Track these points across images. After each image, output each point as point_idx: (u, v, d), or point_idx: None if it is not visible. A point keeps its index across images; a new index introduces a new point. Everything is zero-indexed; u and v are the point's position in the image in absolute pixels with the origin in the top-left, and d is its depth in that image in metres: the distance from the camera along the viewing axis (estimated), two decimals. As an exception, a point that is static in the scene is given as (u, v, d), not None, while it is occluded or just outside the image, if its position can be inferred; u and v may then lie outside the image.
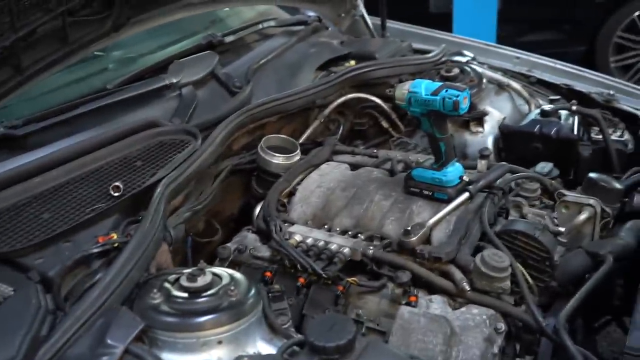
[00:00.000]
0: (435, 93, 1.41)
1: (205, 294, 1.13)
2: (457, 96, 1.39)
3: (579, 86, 2.12)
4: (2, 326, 1.05)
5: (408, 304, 1.32)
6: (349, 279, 1.36)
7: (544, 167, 1.67)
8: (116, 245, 1.25)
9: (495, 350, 1.27)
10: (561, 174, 1.70)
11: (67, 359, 1.03)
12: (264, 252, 1.51)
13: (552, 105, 1.95)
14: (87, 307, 1.10)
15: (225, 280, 1.17)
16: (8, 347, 1.00)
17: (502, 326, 1.28)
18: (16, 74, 1.40)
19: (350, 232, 1.47)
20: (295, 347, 1.08)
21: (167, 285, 1.16)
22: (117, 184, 1.42)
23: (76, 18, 1.51)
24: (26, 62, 1.41)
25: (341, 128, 2.06)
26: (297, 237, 1.46)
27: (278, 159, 1.72)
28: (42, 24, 1.41)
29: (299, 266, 1.39)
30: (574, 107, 1.93)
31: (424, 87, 1.44)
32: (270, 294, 1.21)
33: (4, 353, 0.99)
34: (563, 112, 1.93)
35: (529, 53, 2.32)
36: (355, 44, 2.35)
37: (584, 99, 2.04)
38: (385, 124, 2.08)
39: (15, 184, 1.40)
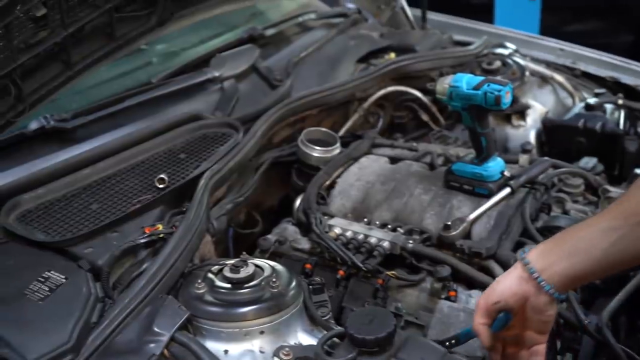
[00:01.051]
0: (477, 87, 1.40)
1: (247, 285, 1.15)
2: (500, 91, 1.38)
3: (626, 79, 2.07)
4: (56, 313, 1.10)
5: (447, 298, 1.32)
6: (389, 272, 1.37)
7: (588, 162, 1.64)
8: (162, 236, 1.29)
9: (536, 346, 1.26)
10: (606, 169, 1.67)
11: (115, 345, 1.07)
12: (304, 244, 1.52)
13: (597, 99, 1.91)
14: (135, 295, 1.13)
15: (267, 272, 1.19)
16: (61, 333, 1.05)
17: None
18: (66, 68, 1.45)
19: (389, 226, 1.48)
20: (335, 339, 1.09)
21: (210, 275, 1.19)
22: (162, 176, 1.46)
23: (122, 14, 1.55)
24: (75, 57, 1.46)
25: (380, 121, 2.06)
26: (337, 230, 1.48)
27: (318, 152, 1.73)
28: (90, 21, 1.45)
29: (338, 259, 1.40)
30: (620, 101, 1.89)
31: (465, 81, 1.43)
32: (311, 286, 1.23)
33: (57, 339, 1.04)
34: (608, 106, 1.89)
35: (573, 45, 2.27)
36: (395, 36, 2.34)
37: (631, 92, 1.99)
38: (425, 117, 2.07)
39: (65, 175, 1.46)
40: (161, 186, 1.45)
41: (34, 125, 1.53)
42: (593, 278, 1.07)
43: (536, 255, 0.98)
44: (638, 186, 0.94)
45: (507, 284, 1.00)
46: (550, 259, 0.96)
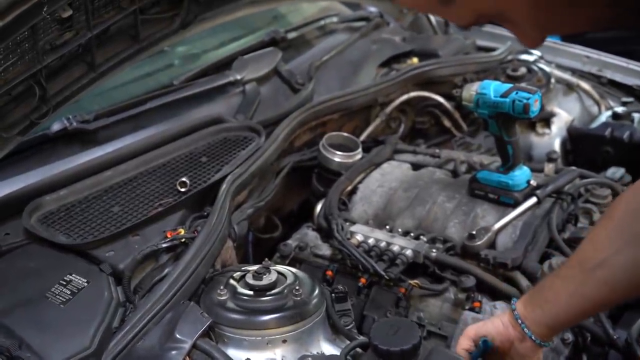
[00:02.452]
0: (505, 95, 1.38)
1: (270, 292, 1.14)
2: (528, 99, 1.35)
3: (654, 88, 2.03)
4: (78, 317, 1.09)
5: (471, 309, 1.30)
6: (411, 281, 1.35)
7: (615, 172, 1.61)
8: (184, 240, 1.28)
9: (562, 360, 1.23)
10: (634, 179, 1.63)
11: (137, 351, 1.07)
12: (325, 250, 1.51)
13: (624, 108, 1.88)
14: (156, 300, 1.13)
15: (290, 280, 1.18)
16: (83, 337, 1.04)
17: (569, 337, 1.24)
18: (90, 70, 1.45)
19: (412, 234, 1.46)
20: (358, 349, 1.08)
21: (232, 282, 1.18)
22: (183, 179, 1.46)
23: (147, 16, 1.54)
24: (100, 59, 1.46)
25: (402, 126, 2.04)
26: (359, 237, 1.46)
27: (339, 157, 1.71)
28: (115, 22, 1.44)
29: (360, 266, 1.39)
30: (647, 110, 1.85)
31: (492, 88, 1.41)
32: (333, 294, 1.22)
33: (79, 343, 1.03)
34: (636, 115, 1.86)
35: (599, 52, 2.23)
36: (417, 40, 2.31)
37: (659, 101, 1.96)
38: (447, 123, 2.05)
39: (87, 177, 1.45)
40: (183, 189, 1.44)
41: (56, 127, 1.53)
42: (568, 325, 1.12)
43: (522, 304, 1.03)
44: (589, 234, 0.99)
45: (497, 325, 1.05)
46: (530, 307, 1.01)
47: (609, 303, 1.08)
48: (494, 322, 1.07)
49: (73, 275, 1.18)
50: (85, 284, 1.16)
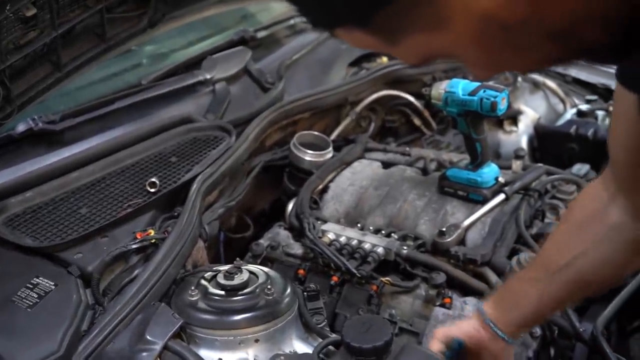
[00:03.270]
0: (472, 93, 1.40)
1: (242, 292, 1.14)
2: (496, 97, 1.37)
3: (616, 86, 2.08)
4: (45, 320, 1.07)
5: (442, 305, 1.31)
6: (383, 279, 1.36)
7: (581, 168, 1.64)
8: (154, 241, 1.27)
9: (530, 354, 1.26)
10: (598, 175, 1.67)
11: (107, 354, 1.05)
12: (297, 249, 1.51)
13: (588, 106, 1.92)
14: (126, 302, 1.11)
15: (262, 279, 1.17)
16: (51, 342, 1.02)
17: (537, 331, 1.27)
18: (55, 70, 1.43)
19: (383, 232, 1.47)
20: (330, 347, 1.08)
21: (204, 282, 1.18)
22: (153, 179, 1.44)
23: (113, 15, 1.53)
24: (65, 58, 1.44)
25: (372, 125, 2.05)
26: (330, 235, 1.46)
27: (310, 156, 1.72)
28: (81, 21, 1.42)
29: (332, 265, 1.39)
30: (611, 108, 1.89)
31: (461, 87, 1.43)
32: (305, 293, 1.22)
33: (47, 347, 1.02)
34: (600, 113, 1.90)
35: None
36: (386, 40, 2.32)
37: (621, 99, 2.00)
38: (417, 122, 2.07)
39: (54, 178, 1.43)
40: (152, 190, 1.43)
41: (21, 127, 1.50)
42: (539, 322, 1.19)
43: (489, 306, 1.06)
44: (551, 239, 1.03)
45: (467, 329, 1.08)
46: (500, 310, 1.05)
47: (575, 300, 1.16)
48: (462, 326, 1.09)
49: (40, 278, 1.16)
50: (53, 287, 1.14)
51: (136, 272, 1.21)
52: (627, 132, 0.70)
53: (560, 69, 2.19)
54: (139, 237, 1.27)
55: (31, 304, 1.10)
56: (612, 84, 2.08)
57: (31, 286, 1.14)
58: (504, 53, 0.55)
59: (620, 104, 0.83)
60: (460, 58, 0.57)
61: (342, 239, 1.45)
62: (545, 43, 0.53)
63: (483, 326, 1.05)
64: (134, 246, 1.25)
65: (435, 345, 1.09)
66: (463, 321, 1.12)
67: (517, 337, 1.07)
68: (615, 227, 0.92)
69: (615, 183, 0.91)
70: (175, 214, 1.37)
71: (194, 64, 1.93)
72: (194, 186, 1.41)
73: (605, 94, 2.07)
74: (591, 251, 0.94)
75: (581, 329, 1.23)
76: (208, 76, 1.86)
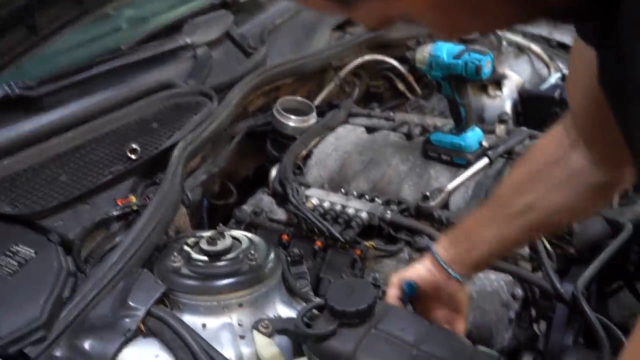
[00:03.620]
0: (457, 57, 1.39)
1: (225, 257, 1.13)
2: (480, 60, 1.36)
3: (601, 49, 2.07)
4: (26, 288, 1.06)
5: (426, 269, 1.32)
6: (367, 243, 1.36)
7: (564, 132, 1.64)
8: (135, 208, 1.25)
9: (512, 315, 1.27)
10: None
11: (89, 321, 1.04)
12: (280, 215, 1.51)
13: (572, 69, 1.91)
14: (108, 269, 1.10)
15: (245, 244, 1.17)
16: (32, 309, 1.01)
17: (519, 292, 1.28)
18: (31, 33, 1.39)
19: (367, 196, 1.47)
20: (314, 311, 1.09)
21: (186, 248, 1.17)
22: (134, 146, 1.42)
23: (90, -24, 1.48)
24: (41, 22, 1.39)
25: (356, 90, 2.03)
26: (314, 201, 1.46)
27: (294, 121, 1.70)
28: (56, -18, 1.39)
29: (316, 230, 1.39)
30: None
31: (445, 50, 1.41)
32: (289, 258, 1.22)
33: (29, 314, 1.00)
34: (584, 76, 1.89)
35: (549, 14, 2.26)
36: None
37: (605, 63, 1.99)
38: (401, 87, 2.05)
39: (32, 145, 1.40)
40: (133, 157, 1.41)
41: (-3, 93, 1.47)
42: (494, 262, 1.20)
43: (442, 248, 1.08)
44: (509, 181, 1.04)
45: (420, 272, 1.10)
46: (454, 251, 1.06)
47: (530, 240, 1.23)
48: (415, 268, 1.11)
49: (20, 246, 1.14)
50: (33, 255, 1.13)
51: (118, 239, 1.20)
52: (584, 85, 0.70)
53: (544, 33, 2.18)
54: (120, 204, 1.26)
55: (11, 272, 1.09)
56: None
57: (11, 254, 1.12)
58: (462, 15, 0.55)
59: (578, 58, 0.83)
60: (419, 21, 0.57)
61: (326, 204, 1.44)
62: (503, 3, 0.53)
63: (437, 267, 1.07)
64: (115, 213, 1.24)
65: (392, 291, 1.11)
66: (416, 263, 1.13)
67: (472, 275, 1.11)
68: (576, 172, 0.93)
69: (576, 130, 0.92)
70: (157, 180, 1.35)
71: (175, 28, 1.88)
72: (176, 152, 1.39)
73: (589, 57, 2.06)
74: (551, 195, 0.96)
75: (562, 290, 1.25)
76: (189, 41, 1.82)
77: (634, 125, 0.58)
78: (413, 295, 1.11)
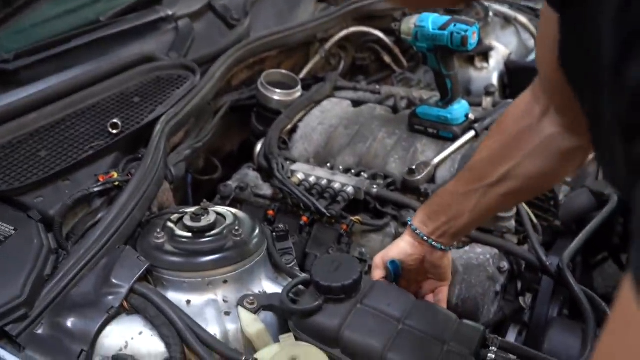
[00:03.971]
0: (443, 27, 1.36)
1: (209, 233, 1.12)
2: (466, 31, 1.34)
3: (588, 20, 2.05)
4: (6, 266, 1.04)
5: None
6: (353, 218, 1.35)
7: (550, 104, 1.63)
8: (117, 184, 1.23)
9: (498, 288, 1.28)
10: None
11: (71, 298, 1.03)
12: (266, 190, 1.49)
13: (560, 41, 1.90)
14: (90, 246, 1.08)
15: (230, 220, 1.15)
16: (13, 287, 0.99)
17: (505, 265, 1.29)
18: (5, 5, 1.34)
19: (353, 171, 1.45)
20: (300, 286, 1.08)
21: (170, 224, 1.15)
22: (115, 121, 1.39)
23: (66, -55, 1.44)
24: (15, -8, 1.35)
25: (342, 63, 2.01)
26: (300, 176, 1.45)
27: (278, 95, 1.68)
28: (30, -49, 1.34)
29: (301, 205, 1.38)
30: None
31: (431, 21, 1.39)
32: (274, 233, 1.20)
33: (9, 292, 0.99)
34: (571, 48, 1.88)
35: (536, -16, 2.24)
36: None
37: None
38: (387, 59, 2.03)
39: (10, 120, 1.36)
40: (114, 131, 1.37)
41: (-28, 67, 1.42)
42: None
43: (421, 222, 1.10)
44: (482, 152, 1.04)
45: (403, 248, 1.12)
46: (434, 224, 1.08)
47: (508, 209, 1.26)
48: (397, 245, 1.13)
49: (-1, 223, 1.12)
50: (13, 232, 1.10)
51: (100, 215, 1.18)
52: (553, 50, 0.70)
53: (531, 4, 2.16)
54: (101, 179, 1.24)
55: (-9, 249, 1.07)
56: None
57: (-10, 231, 1.10)
58: None
59: (546, 22, 0.83)
60: None
61: (312, 179, 1.43)
62: None
63: (418, 241, 1.10)
64: (96, 189, 1.21)
65: (376, 272, 1.13)
66: (398, 241, 1.14)
67: (452, 244, 1.12)
68: (548, 138, 0.94)
69: (546, 96, 0.93)
70: (139, 155, 1.33)
71: (155, -1, 1.84)
72: (158, 127, 1.37)
73: (576, 29, 2.04)
74: (526, 163, 0.97)
75: (547, 263, 1.25)
76: (170, 12, 1.78)
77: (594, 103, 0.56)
78: (398, 273, 1.11)
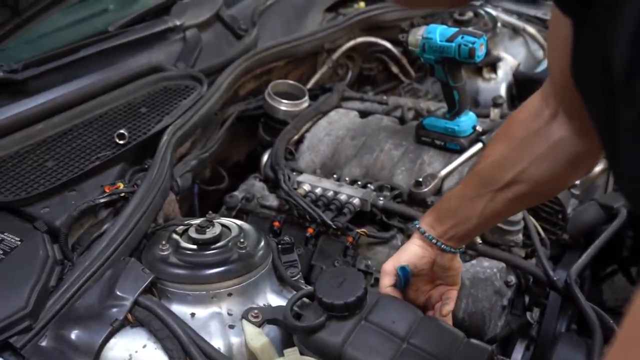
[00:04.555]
0: (450, 39, 1.36)
1: (214, 246, 1.11)
2: (474, 43, 1.33)
3: (597, 31, 2.04)
4: (11, 277, 1.04)
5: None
6: (359, 230, 1.34)
7: (559, 116, 1.62)
8: (123, 194, 1.23)
9: (505, 302, 1.26)
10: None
11: (76, 310, 1.03)
12: (272, 201, 1.49)
13: (568, 52, 1.89)
14: (95, 257, 1.08)
15: (235, 232, 1.15)
16: (18, 298, 0.99)
17: (512, 279, 1.27)
18: (14, 16, 1.35)
19: (359, 182, 1.45)
20: (305, 299, 1.07)
21: (175, 236, 1.15)
22: (122, 131, 1.39)
23: (75, -44, 1.44)
24: (24, 3, 1.36)
25: (349, 73, 2.00)
26: (306, 187, 1.44)
27: (285, 105, 1.68)
28: (39, -38, 1.35)
29: (307, 216, 1.37)
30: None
31: (439, 32, 1.38)
32: (280, 246, 1.20)
33: (14, 304, 0.99)
34: (580, 59, 1.87)
35: (544, -5, 2.23)
36: (364, -16, 2.25)
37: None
38: (395, 69, 2.02)
39: (17, 130, 1.37)
40: (121, 142, 1.38)
41: (-20, 77, 1.43)
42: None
43: (428, 225, 1.11)
44: (490, 156, 1.03)
45: (414, 251, 1.12)
46: (441, 227, 1.09)
47: (514, 213, 1.24)
48: (407, 249, 1.13)
49: (5, 234, 1.12)
50: (19, 243, 1.11)
51: (105, 226, 1.18)
52: (564, 54, 0.69)
53: (540, 14, 2.15)
54: (107, 190, 1.24)
55: (-4, 260, 1.07)
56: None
57: (-5, 242, 1.10)
58: None
59: (557, 26, 0.82)
60: None
61: (318, 190, 1.43)
62: None
63: (427, 243, 1.10)
64: (102, 200, 1.21)
65: (386, 280, 1.12)
66: (406, 245, 1.14)
67: (460, 247, 1.12)
68: (557, 143, 0.93)
69: (555, 100, 0.92)
70: (145, 166, 1.33)
71: (164, 9, 1.84)
72: (165, 137, 1.37)
73: (585, 40, 2.03)
74: (534, 167, 0.96)
75: (555, 277, 1.24)
76: (178, 22, 1.78)
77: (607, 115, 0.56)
78: (408, 279, 1.11)
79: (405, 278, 1.10)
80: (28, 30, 1.53)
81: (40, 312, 1.01)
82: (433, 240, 1.09)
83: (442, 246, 1.09)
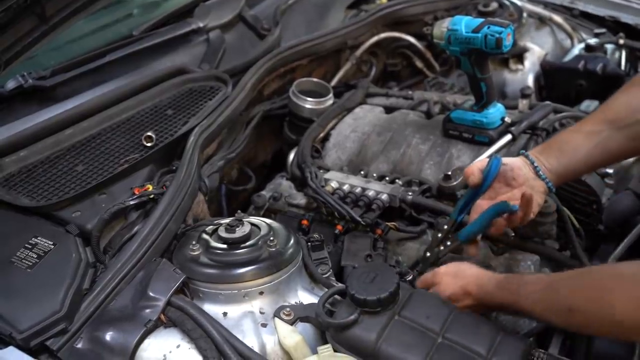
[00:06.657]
0: (476, 30, 1.34)
1: (244, 245, 1.11)
2: (500, 33, 1.31)
3: (626, 17, 1.99)
4: (45, 280, 1.06)
5: (449, 250, 1.29)
6: (389, 224, 1.33)
7: (590, 105, 1.59)
8: (152, 196, 1.24)
9: (540, 295, 1.24)
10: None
11: (110, 312, 1.04)
12: (300, 199, 1.48)
13: (597, 39, 1.85)
14: (127, 259, 1.09)
15: (264, 231, 1.15)
16: (53, 301, 1.01)
17: (546, 271, 1.25)
18: (41, 23, 1.37)
19: (387, 178, 1.43)
20: (336, 296, 1.06)
21: (205, 236, 1.15)
22: (149, 133, 1.40)
23: (99, -38, 1.46)
24: (50, 10, 1.37)
25: (373, 69, 1.99)
26: (333, 184, 1.43)
27: (310, 103, 1.67)
28: (64, -30, 1.36)
29: (336, 214, 1.36)
30: (621, 41, 1.82)
31: (464, 24, 1.36)
32: (309, 243, 1.19)
33: (49, 307, 1.00)
34: (609, 46, 1.83)
35: (571, -17, 2.19)
36: (386, -21, 2.24)
37: (631, 32, 1.92)
38: (419, 64, 2.01)
39: (47, 136, 1.39)
40: (149, 144, 1.39)
41: (11, 84, 1.45)
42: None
43: (534, 152, 1.14)
44: (617, 96, 1.07)
45: (513, 161, 1.14)
46: (544, 157, 1.12)
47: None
48: (509, 158, 1.15)
49: (39, 238, 1.14)
50: (52, 247, 1.12)
51: (136, 228, 1.19)
52: None
53: (566, 3, 2.11)
54: (136, 192, 1.24)
55: (31, 264, 1.09)
56: (621, 15, 2.01)
57: (30, 246, 1.12)
58: None
59: None
60: None
61: (346, 187, 1.42)
62: None
63: (528, 164, 1.13)
64: (132, 202, 1.22)
65: (473, 177, 1.13)
66: (509, 157, 1.16)
67: (556, 184, 1.12)
68: None
69: None
70: (173, 167, 1.34)
71: (187, 12, 1.86)
72: (191, 139, 1.37)
73: (613, 26, 1.99)
74: None
75: (591, 269, 1.21)
76: (201, 24, 1.79)
77: None
78: (495, 172, 1.12)
79: (495, 169, 1.12)
80: (55, 37, 1.56)
81: (75, 314, 1.02)
82: (535, 164, 1.11)
83: (540, 172, 1.11)
